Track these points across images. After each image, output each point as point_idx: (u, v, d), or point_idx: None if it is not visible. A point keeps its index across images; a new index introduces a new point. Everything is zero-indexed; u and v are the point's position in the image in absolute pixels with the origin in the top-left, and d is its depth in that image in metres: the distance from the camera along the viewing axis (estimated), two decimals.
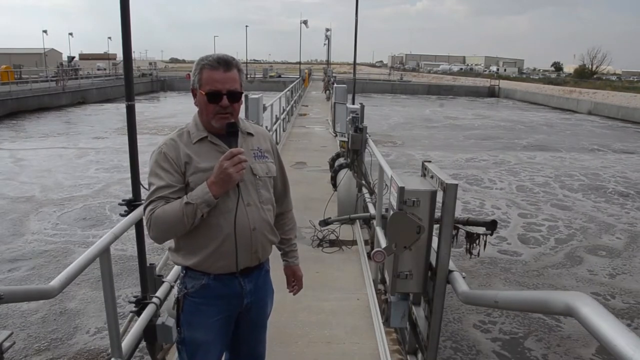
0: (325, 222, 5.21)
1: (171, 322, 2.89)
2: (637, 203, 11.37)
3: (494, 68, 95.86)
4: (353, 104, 9.39)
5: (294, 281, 2.20)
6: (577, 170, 14.77)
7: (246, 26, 56.44)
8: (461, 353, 5.22)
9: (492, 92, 49.30)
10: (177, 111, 28.31)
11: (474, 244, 2.90)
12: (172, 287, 3.12)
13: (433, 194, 2.22)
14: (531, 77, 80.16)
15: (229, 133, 1.75)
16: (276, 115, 11.44)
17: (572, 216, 10.17)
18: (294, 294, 2.24)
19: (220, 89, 1.72)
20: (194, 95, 1.80)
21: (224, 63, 1.74)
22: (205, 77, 1.73)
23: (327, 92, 26.82)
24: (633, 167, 15.59)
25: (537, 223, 9.64)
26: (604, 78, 69.52)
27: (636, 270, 7.62)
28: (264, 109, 8.54)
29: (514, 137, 21.68)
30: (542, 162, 15.96)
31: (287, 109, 15.60)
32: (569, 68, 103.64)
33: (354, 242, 5.28)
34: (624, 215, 10.46)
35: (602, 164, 16.01)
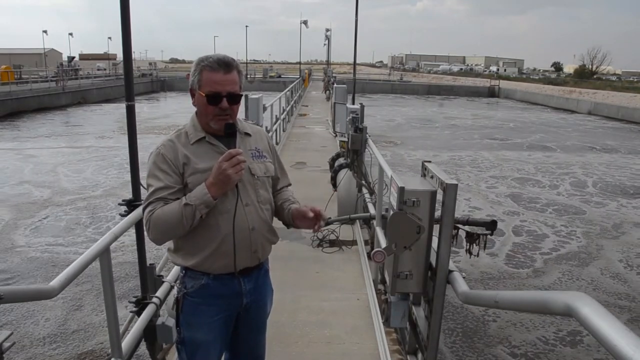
0: (325, 222, 5.20)
1: (171, 322, 2.89)
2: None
3: (494, 68, 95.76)
4: (353, 104, 9.39)
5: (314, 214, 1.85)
6: (550, 166, 15.29)
7: (246, 26, 56.54)
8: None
9: (492, 93, 49.29)
10: (174, 111, 28.37)
11: (474, 244, 2.90)
12: (172, 287, 3.12)
13: (433, 194, 2.22)
14: (531, 77, 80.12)
15: (228, 134, 1.75)
16: (276, 116, 11.44)
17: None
18: (317, 229, 1.91)
19: (221, 91, 1.72)
20: (192, 96, 1.80)
21: (225, 65, 1.73)
22: (205, 78, 1.73)
23: (327, 92, 26.81)
24: (608, 165, 15.94)
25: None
26: (604, 78, 69.50)
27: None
28: (264, 109, 8.54)
29: (507, 136, 21.79)
30: (517, 159, 16.39)
31: (287, 109, 15.59)
32: (569, 68, 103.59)
33: (354, 242, 5.28)
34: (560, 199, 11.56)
35: (579, 161, 16.41)
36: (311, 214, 1.84)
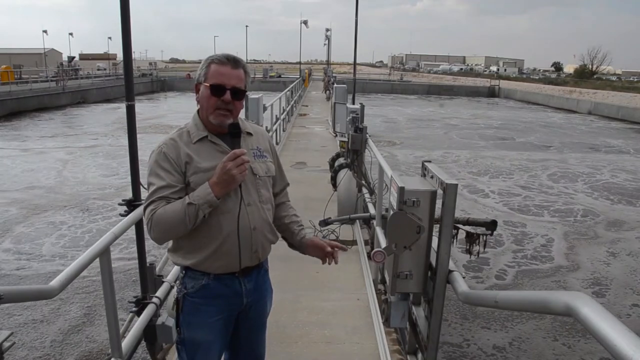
0: (325, 222, 5.20)
1: (171, 322, 2.89)
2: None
3: (494, 68, 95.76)
4: (353, 104, 9.39)
5: (331, 246, 1.99)
6: (533, 164, 15.61)
7: (246, 26, 56.65)
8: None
9: (492, 92, 49.28)
10: (170, 111, 28.42)
11: (474, 244, 2.90)
12: (172, 287, 3.13)
13: (433, 194, 2.22)
14: (531, 77, 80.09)
15: (232, 134, 1.76)
16: (276, 116, 11.45)
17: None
18: (328, 262, 2.01)
19: (225, 83, 1.74)
20: (197, 91, 1.81)
21: (233, 60, 1.77)
22: (212, 71, 1.75)
23: (327, 92, 26.81)
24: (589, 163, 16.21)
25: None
26: (604, 78, 69.48)
27: None
28: (264, 109, 8.55)
29: (501, 136, 21.83)
30: (494, 156, 16.71)
31: (287, 109, 15.60)
32: (569, 68, 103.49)
33: (354, 242, 5.28)
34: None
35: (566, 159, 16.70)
36: (329, 249, 1.96)
